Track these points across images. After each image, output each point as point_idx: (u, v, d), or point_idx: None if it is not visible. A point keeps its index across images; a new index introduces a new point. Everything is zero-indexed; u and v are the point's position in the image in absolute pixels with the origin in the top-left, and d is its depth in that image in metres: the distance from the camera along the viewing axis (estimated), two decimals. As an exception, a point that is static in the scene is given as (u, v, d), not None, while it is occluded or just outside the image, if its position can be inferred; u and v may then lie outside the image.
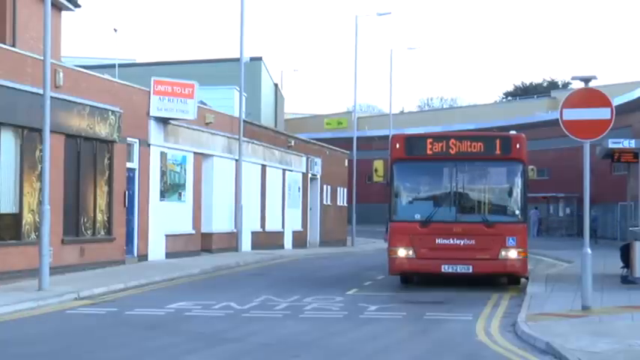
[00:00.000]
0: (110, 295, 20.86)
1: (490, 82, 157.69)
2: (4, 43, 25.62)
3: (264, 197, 41.31)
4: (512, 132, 23.02)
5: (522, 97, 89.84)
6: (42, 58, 21.50)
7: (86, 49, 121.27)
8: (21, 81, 22.95)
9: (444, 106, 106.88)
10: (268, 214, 41.76)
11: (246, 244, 38.06)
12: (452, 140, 22.06)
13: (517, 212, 21.92)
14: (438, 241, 21.65)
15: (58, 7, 30.82)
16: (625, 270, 23.59)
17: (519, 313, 16.88)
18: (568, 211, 61.99)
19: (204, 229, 34.99)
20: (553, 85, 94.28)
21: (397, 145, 22.24)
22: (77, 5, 32.33)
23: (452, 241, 21.61)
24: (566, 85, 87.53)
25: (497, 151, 21.93)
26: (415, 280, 23.66)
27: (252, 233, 39.53)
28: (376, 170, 22.76)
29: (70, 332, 15.65)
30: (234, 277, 26.53)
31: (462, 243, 21.58)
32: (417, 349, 14.20)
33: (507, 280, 23.21)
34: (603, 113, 17.71)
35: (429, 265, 21.76)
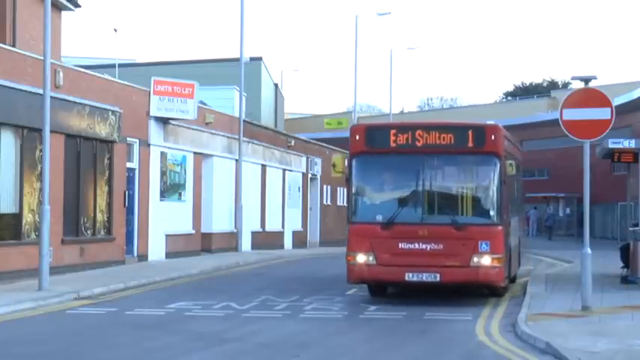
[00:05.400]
0: (110, 295, 20.86)
1: (490, 82, 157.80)
2: (4, 43, 25.63)
3: (264, 197, 41.31)
4: (490, 122, 20.35)
5: (522, 97, 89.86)
6: (42, 58, 21.50)
7: (86, 49, 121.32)
8: (21, 81, 22.96)
9: (444, 106, 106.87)
10: (268, 214, 41.76)
11: (246, 244, 38.06)
12: (418, 131, 19.55)
13: (492, 213, 19.33)
14: (402, 245, 19.10)
15: (58, 7, 30.84)
16: (625, 270, 23.60)
17: (519, 313, 16.87)
18: (568, 211, 62.02)
19: (204, 229, 34.99)
20: (553, 85, 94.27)
21: (357, 137, 19.86)
22: (77, 5, 32.36)
23: (417, 246, 19.06)
24: (566, 85, 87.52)
25: (470, 144, 19.32)
26: (389, 291, 21.23)
27: (252, 233, 39.54)
28: (334, 165, 20.15)
29: (70, 332, 15.65)
30: (234, 277, 26.53)
31: (429, 248, 19.02)
32: (417, 348, 14.20)
33: (489, 292, 20.44)
34: (603, 113, 17.72)
35: (391, 272, 19.27)
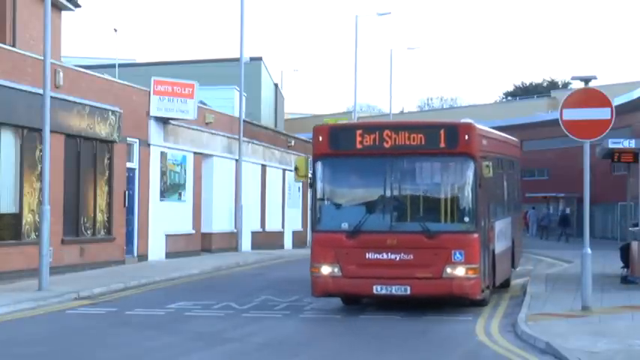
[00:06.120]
0: (110, 295, 20.87)
1: (490, 82, 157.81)
2: (4, 43, 25.64)
3: (264, 197, 41.33)
4: (465, 120, 18.83)
5: (522, 97, 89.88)
6: (42, 58, 21.51)
7: (86, 49, 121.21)
8: (21, 81, 22.96)
9: (444, 106, 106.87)
10: (268, 214, 41.77)
11: (246, 244, 38.07)
12: (386, 131, 18.02)
13: (466, 219, 17.74)
14: (369, 255, 17.61)
15: (58, 7, 30.84)
16: (625, 270, 23.61)
17: (519, 313, 16.88)
18: (568, 210, 61.99)
19: (204, 229, 34.99)
20: (553, 85, 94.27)
21: (320, 138, 18.28)
22: (77, 5, 32.36)
23: (385, 256, 17.59)
24: (566, 85, 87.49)
25: (442, 144, 17.76)
26: (365, 301, 19.61)
27: (252, 233, 39.54)
28: (297, 169, 18.62)
29: (70, 332, 15.66)
30: (234, 277, 26.54)
31: (398, 258, 17.53)
32: (417, 349, 14.21)
33: (470, 302, 18.41)
34: (603, 113, 17.74)
35: (357, 285, 17.76)
